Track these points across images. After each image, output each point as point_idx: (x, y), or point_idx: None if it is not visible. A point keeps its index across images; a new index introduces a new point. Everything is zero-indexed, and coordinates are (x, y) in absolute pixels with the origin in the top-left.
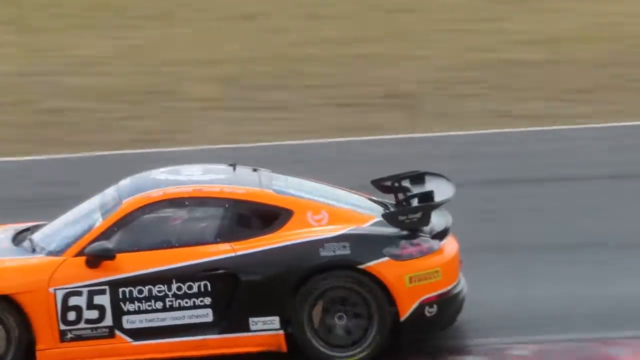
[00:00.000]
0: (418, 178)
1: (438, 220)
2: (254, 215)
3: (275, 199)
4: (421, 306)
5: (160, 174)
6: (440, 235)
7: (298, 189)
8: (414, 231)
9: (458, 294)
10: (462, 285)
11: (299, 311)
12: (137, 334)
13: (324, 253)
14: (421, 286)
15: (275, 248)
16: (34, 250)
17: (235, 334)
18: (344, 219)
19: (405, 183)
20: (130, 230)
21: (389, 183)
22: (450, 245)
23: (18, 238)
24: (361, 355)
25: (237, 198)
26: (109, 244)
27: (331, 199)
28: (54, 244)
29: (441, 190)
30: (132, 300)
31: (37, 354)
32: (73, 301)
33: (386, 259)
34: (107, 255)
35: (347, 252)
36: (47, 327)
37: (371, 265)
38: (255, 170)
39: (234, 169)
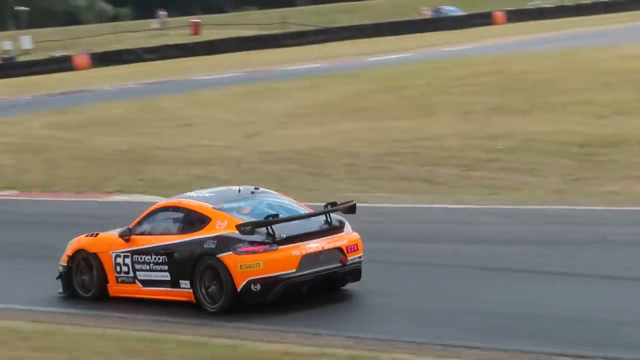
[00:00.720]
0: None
1: (289, 229)
2: (195, 220)
3: (207, 210)
4: (248, 283)
5: (195, 191)
6: (285, 240)
7: (242, 207)
8: (271, 235)
9: (289, 277)
10: (306, 271)
11: (195, 278)
12: (144, 282)
13: (205, 246)
14: (248, 271)
15: (189, 240)
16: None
17: (176, 289)
18: (234, 226)
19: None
20: (147, 223)
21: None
22: (300, 247)
23: None
24: (220, 307)
25: (190, 208)
26: (128, 230)
27: (252, 214)
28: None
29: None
30: (138, 262)
31: (108, 289)
32: (116, 260)
33: (230, 252)
34: (124, 236)
35: (214, 246)
36: (111, 273)
37: (222, 255)
38: (253, 192)
39: (239, 190)
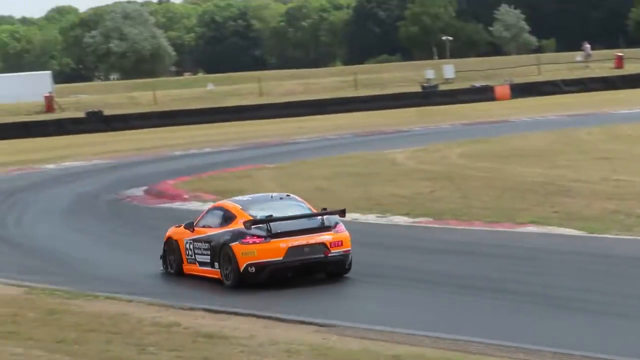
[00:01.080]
0: (340, 211)
1: (283, 227)
2: (228, 217)
3: (236, 210)
4: (247, 266)
5: (242, 196)
6: (278, 235)
7: (262, 209)
8: (268, 230)
9: (276, 263)
10: (291, 259)
11: (220, 261)
12: (200, 263)
13: (225, 237)
14: (247, 257)
15: (219, 232)
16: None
17: (212, 269)
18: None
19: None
20: (204, 218)
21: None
22: (288, 241)
23: None
24: (230, 284)
25: (227, 208)
26: (193, 223)
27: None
28: None
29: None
30: (196, 248)
31: (183, 267)
32: (186, 245)
33: (237, 242)
34: (189, 228)
35: (229, 237)
36: (184, 255)
37: (232, 244)
38: (281, 198)
39: (271, 197)
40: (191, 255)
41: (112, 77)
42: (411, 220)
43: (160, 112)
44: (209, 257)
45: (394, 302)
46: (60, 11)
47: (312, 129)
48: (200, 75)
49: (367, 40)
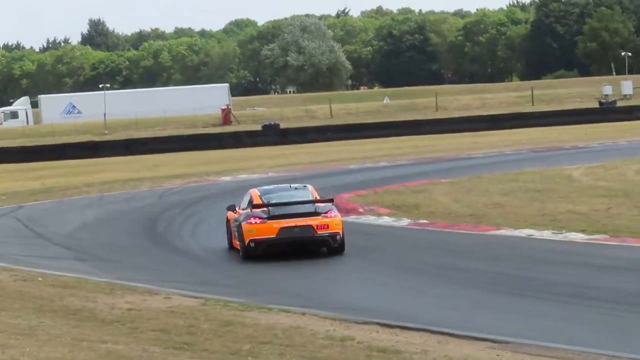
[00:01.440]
0: (330, 199)
1: (281, 211)
2: (250, 201)
3: (256, 196)
4: (249, 242)
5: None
6: (275, 217)
7: (276, 197)
8: (268, 213)
9: (270, 240)
10: (283, 237)
11: (237, 236)
12: (237, 238)
13: (240, 217)
14: (249, 234)
15: (243, 214)
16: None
17: (239, 242)
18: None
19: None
20: (242, 202)
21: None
22: (281, 222)
23: None
24: (242, 255)
25: (251, 194)
26: (234, 205)
27: (275, 198)
28: None
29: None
30: (235, 226)
31: (232, 242)
32: (232, 224)
33: (245, 222)
34: (232, 209)
35: (242, 218)
36: (232, 232)
37: (242, 223)
38: (296, 188)
39: (290, 187)
40: (234, 232)
41: (288, 90)
42: (587, 237)
43: (336, 126)
44: (237, 233)
45: (568, 319)
46: (238, 24)
47: (488, 144)
48: (377, 89)
49: (544, 55)
